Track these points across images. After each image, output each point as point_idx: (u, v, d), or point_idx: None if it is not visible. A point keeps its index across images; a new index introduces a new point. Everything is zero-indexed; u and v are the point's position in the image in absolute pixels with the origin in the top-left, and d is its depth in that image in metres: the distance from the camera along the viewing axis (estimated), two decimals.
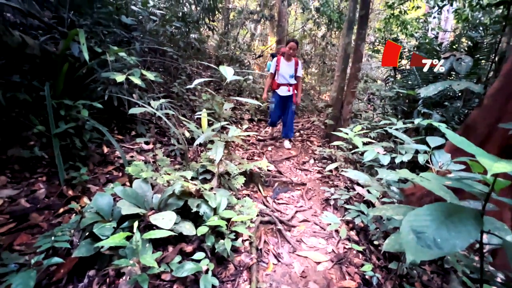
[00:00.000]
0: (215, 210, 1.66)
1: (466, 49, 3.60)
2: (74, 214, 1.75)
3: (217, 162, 1.80)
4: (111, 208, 1.47)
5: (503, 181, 0.60)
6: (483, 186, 0.76)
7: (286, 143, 4.08)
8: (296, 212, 2.40)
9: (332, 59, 8.30)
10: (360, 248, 1.91)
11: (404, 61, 4.61)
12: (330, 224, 1.92)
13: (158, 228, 1.31)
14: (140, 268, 1.25)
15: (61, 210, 1.77)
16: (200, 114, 2.17)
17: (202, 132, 2.22)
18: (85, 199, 1.90)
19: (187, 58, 4.97)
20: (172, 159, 2.78)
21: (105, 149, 2.50)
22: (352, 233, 2.12)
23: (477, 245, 1.42)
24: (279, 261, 1.76)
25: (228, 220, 1.64)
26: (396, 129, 1.91)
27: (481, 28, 3.63)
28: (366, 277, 1.68)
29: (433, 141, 1.32)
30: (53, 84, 2.11)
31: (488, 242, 0.80)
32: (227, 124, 2.36)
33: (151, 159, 2.60)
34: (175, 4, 4.52)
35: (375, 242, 1.96)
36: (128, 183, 2.14)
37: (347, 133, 2.03)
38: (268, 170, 3.00)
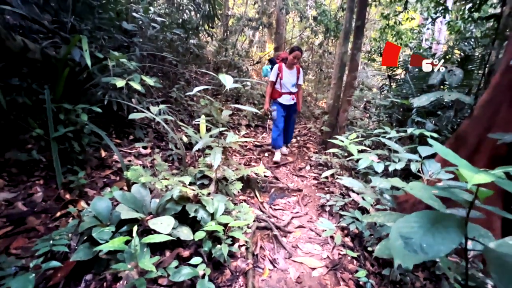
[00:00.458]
0: (212, 216, 1.68)
1: (459, 60, 3.73)
2: (71, 218, 1.75)
3: (215, 168, 1.83)
4: (109, 212, 1.48)
5: (485, 190, 0.65)
6: (469, 195, 0.81)
7: (284, 149, 4.11)
8: (292, 218, 2.43)
9: (328, 66, 8.45)
10: (355, 254, 1.94)
11: (399, 70, 4.73)
12: (325, 230, 1.96)
13: (156, 232, 1.33)
14: (137, 272, 1.26)
15: (58, 213, 1.77)
16: (199, 121, 2.20)
17: (200, 138, 2.25)
18: (83, 203, 1.91)
19: (186, 63, 5.02)
20: (169, 164, 2.80)
21: (103, 153, 2.51)
22: (347, 239, 2.16)
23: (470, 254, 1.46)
24: (275, 266, 1.78)
25: (225, 225, 1.66)
26: (390, 138, 1.97)
27: (472, 41, 3.76)
28: (360, 283, 1.71)
29: (425, 150, 1.38)
30: (53, 88, 2.13)
31: (473, 248, 0.84)
32: (224, 130, 2.39)
33: (149, 164, 2.61)
34: (175, 11, 4.59)
35: (369, 249, 2.00)
36: (125, 188, 2.15)
37: (342, 141, 2.08)
38: (265, 176, 3.03)
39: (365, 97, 6.02)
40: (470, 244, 0.83)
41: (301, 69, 3.68)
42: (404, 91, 4.11)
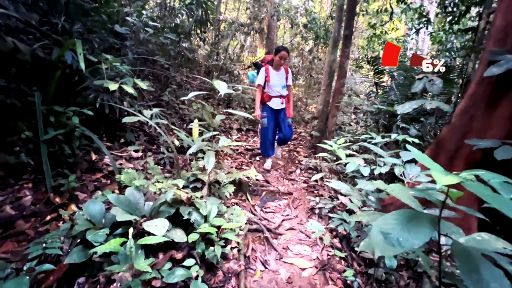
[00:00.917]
0: (205, 218, 1.72)
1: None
2: (62, 222, 1.74)
3: (208, 171, 1.87)
4: (102, 215, 1.49)
5: (455, 191, 0.73)
6: (443, 195, 0.89)
7: (278, 152, 4.09)
8: (283, 220, 2.49)
9: (318, 72, 8.66)
10: (343, 255, 2.02)
11: (385, 78, 4.93)
12: (314, 232, 2.03)
13: (151, 234, 1.36)
14: (131, 274, 1.28)
15: (48, 217, 1.75)
16: (192, 125, 2.24)
17: (193, 141, 2.29)
18: (73, 207, 1.89)
19: (177, 67, 5.03)
20: (161, 167, 2.80)
21: (93, 156, 2.49)
22: (335, 240, 2.23)
23: (449, 252, 1.56)
24: (266, 267, 1.82)
25: (218, 227, 1.70)
26: (376, 143, 2.07)
27: (453, 51, 3.99)
28: (348, 282, 1.78)
29: (406, 155, 1.47)
30: (44, 90, 2.12)
31: (446, 243, 0.92)
32: (216, 134, 2.44)
33: (140, 167, 2.61)
34: (168, 15, 4.62)
35: (357, 249, 2.07)
36: (117, 191, 2.15)
37: (331, 145, 2.17)
38: (256, 180, 3.08)
39: (353, 103, 6.21)
40: (443, 240, 0.91)
41: (289, 69, 3.51)
42: (390, 97, 4.28)
